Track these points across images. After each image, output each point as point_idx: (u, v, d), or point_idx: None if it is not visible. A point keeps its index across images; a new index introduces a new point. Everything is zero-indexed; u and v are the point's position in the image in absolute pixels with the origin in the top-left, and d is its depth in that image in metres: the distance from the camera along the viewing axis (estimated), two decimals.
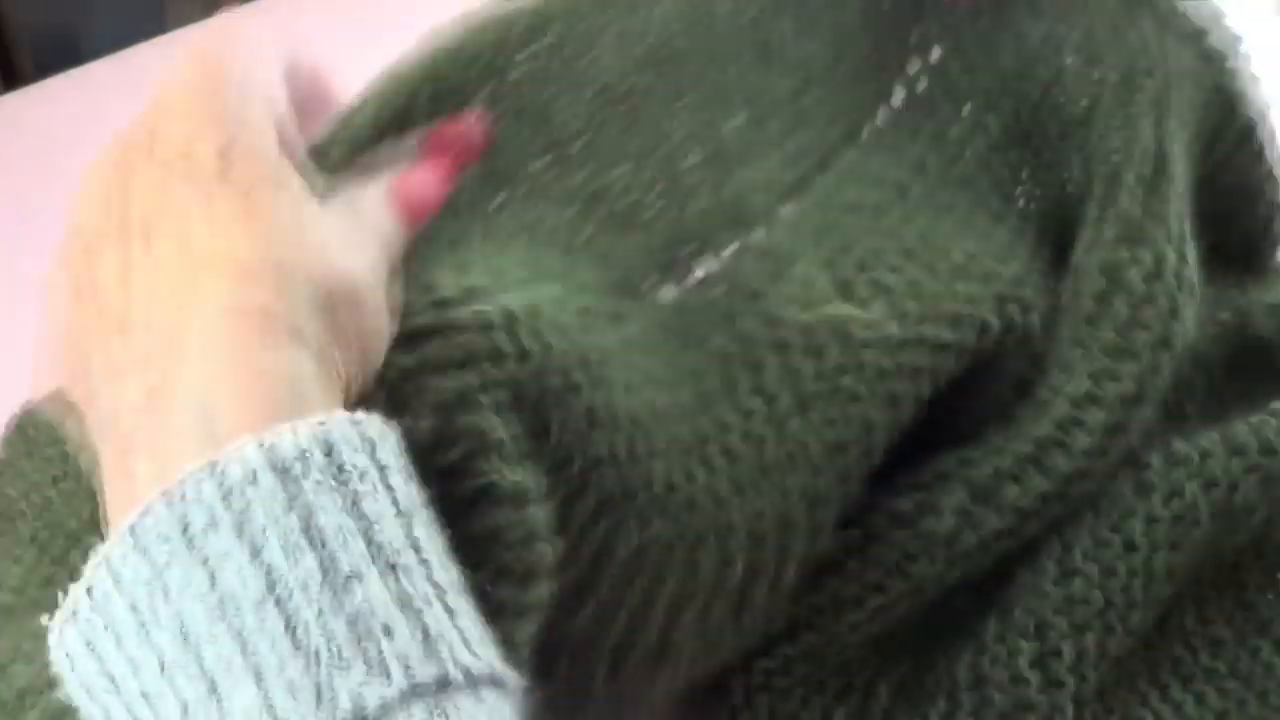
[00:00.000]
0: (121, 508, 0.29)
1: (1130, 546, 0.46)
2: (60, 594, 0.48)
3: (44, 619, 0.48)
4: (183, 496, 0.27)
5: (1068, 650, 0.45)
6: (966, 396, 0.47)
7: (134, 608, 0.27)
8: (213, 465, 0.27)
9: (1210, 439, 0.48)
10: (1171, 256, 0.46)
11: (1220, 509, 0.47)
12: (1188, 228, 0.48)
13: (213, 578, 0.26)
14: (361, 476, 0.28)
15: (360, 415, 0.29)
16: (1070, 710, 0.45)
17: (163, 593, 0.27)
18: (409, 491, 0.29)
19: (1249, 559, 0.50)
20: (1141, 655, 0.48)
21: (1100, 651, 0.45)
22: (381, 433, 0.29)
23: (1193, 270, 0.48)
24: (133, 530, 0.27)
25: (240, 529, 0.27)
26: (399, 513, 0.28)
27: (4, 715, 0.42)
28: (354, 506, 0.27)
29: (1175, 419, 0.50)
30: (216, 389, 0.29)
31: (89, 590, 0.28)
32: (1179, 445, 0.48)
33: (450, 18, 0.51)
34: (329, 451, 0.28)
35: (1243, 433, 0.48)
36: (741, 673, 0.48)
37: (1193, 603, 0.49)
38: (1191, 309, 0.47)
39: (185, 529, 0.27)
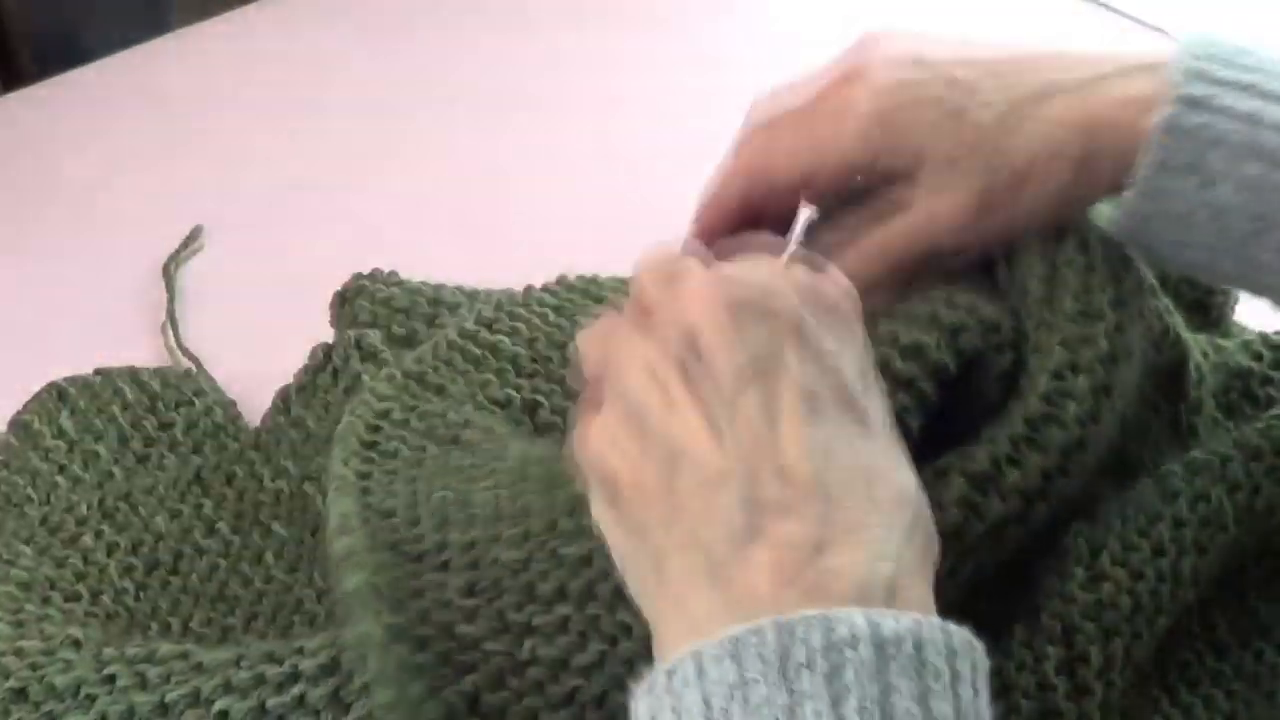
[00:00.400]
0: (706, 614, 0.33)
1: (1159, 551, 0.46)
2: (71, 576, 0.50)
3: (59, 599, 0.49)
4: (792, 633, 0.31)
5: (1095, 655, 0.44)
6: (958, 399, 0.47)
7: (707, 703, 0.31)
8: (826, 618, 0.31)
9: (1225, 444, 0.49)
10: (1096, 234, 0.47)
11: (1244, 512, 0.47)
12: None
13: (792, 709, 0.30)
14: (936, 676, 0.32)
15: (951, 625, 0.33)
16: (1097, 718, 0.44)
17: (742, 701, 0.31)
18: (974, 704, 0.32)
19: (1249, 563, 0.50)
20: (1153, 660, 0.48)
21: (1127, 657, 0.45)
22: (964, 645, 0.33)
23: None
24: (735, 641, 0.31)
25: (830, 679, 0.31)
26: (957, 717, 0.32)
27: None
28: (923, 699, 0.31)
29: (1190, 436, 0.51)
30: (886, 563, 0.34)
31: (669, 673, 0.32)
32: (1198, 453, 0.48)
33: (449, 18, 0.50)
34: (919, 647, 0.32)
35: (1254, 437, 0.49)
36: None
37: (1196, 607, 0.49)
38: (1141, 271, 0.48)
39: (784, 658, 0.31)
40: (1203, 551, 0.47)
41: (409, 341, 0.59)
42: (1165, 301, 0.51)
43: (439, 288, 0.62)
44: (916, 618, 0.32)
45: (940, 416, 0.46)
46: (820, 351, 0.36)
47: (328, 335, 0.60)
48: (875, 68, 0.44)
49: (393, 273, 0.62)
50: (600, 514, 0.38)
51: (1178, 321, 0.51)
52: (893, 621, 0.31)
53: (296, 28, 0.86)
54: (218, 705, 0.41)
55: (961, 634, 0.33)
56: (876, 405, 0.38)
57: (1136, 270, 0.48)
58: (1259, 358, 0.57)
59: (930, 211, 0.44)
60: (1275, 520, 0.48)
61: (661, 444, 0.36)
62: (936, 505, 0.42)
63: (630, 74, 0.80)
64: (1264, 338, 0.58)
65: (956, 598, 0.45)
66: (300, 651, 0.42)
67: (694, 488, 0.35)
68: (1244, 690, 0.48)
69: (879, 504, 0.35)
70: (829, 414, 0.36)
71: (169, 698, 0.42)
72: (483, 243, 0.68)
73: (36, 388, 0.57)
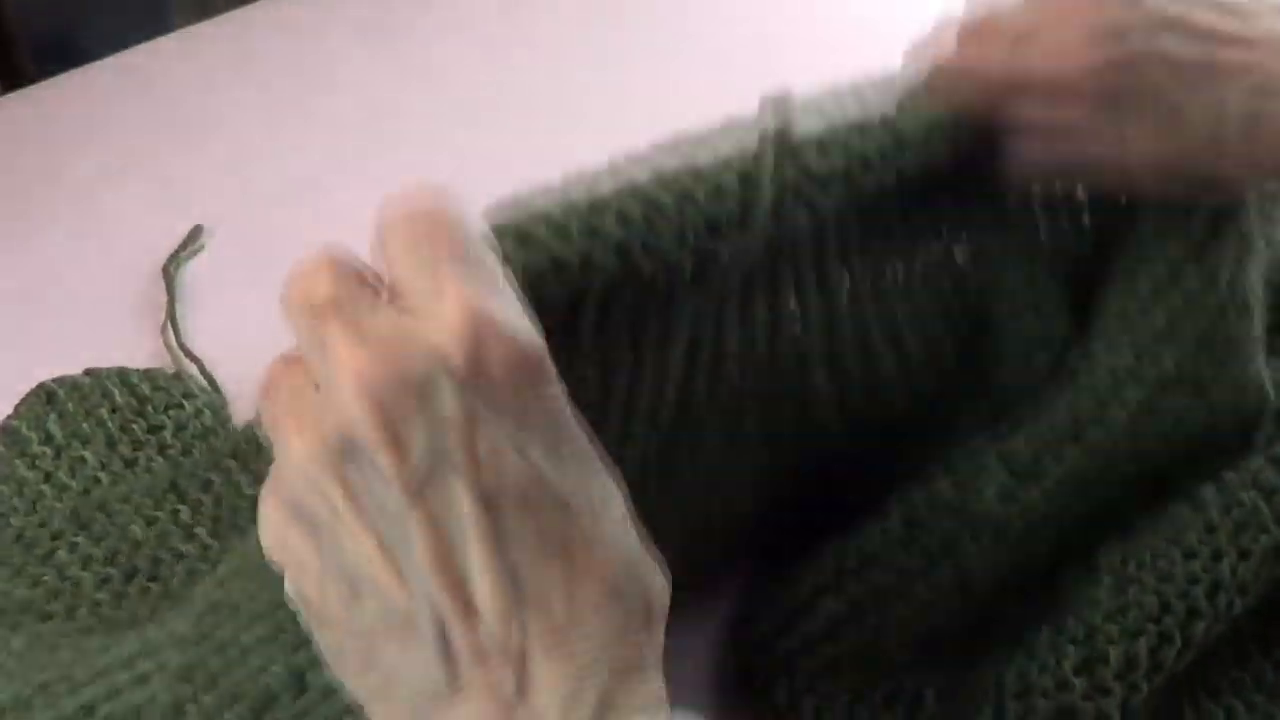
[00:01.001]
0: None
1: (1190, 554, 0.45)
2: (45, 594, 0.49)
3: (31, 621, 0.49)
4: None
5: (1115, 656, 0.44)
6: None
7: None
8: None
9: (1258, 458, 0.48)
10: (1228, 272, 0.46)
11: None
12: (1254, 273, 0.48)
13: None
14: None
15: None
16: (1117, 718, 0.44)
17: None
18: None
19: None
20: (1201, 685, 0.48)
21: (1154, 660, 0.44)
22: None
23: (1248, 294, 0.47)
24: None
25: None
26: None
27: None
28: None
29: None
30: (595, 680, 0.31)
31: None
32: (1228, 474, 0.48)
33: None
34: None
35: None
36: (785, 674, 0.47)
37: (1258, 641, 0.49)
38: (1242, 322, 0.47)
39: None
40: (1244, 555, 0.46)
41: None
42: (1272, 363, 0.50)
43: None
44: None
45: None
46: (495, 447, 0.31)
47: None
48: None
49: None
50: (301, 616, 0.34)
51: (1270, 381, 0.49)
52: None
53: (296, 28, 0.86)
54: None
55: None
56: (577, 467, 0.32)
57: (1250, 323, 0.46)
58: None
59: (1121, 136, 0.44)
60: None
61: (337, 564, 0.32)
62: (975, 491, 0.41)
63: (632, 74, 0.80)
64: None
65: (983, 593, 0.44)
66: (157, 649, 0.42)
67: (383, 629, 0.31)
68: (1263, 703, 0.48)
69: (584, 613, 0.31)
70: (515, 518, 0.31)
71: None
72: None
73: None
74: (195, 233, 0.69)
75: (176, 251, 0.67)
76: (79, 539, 0.52)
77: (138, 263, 0.67)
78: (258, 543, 0.34)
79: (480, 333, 0.31)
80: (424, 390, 0.30)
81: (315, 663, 0.36)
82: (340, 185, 0.73)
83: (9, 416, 0.57)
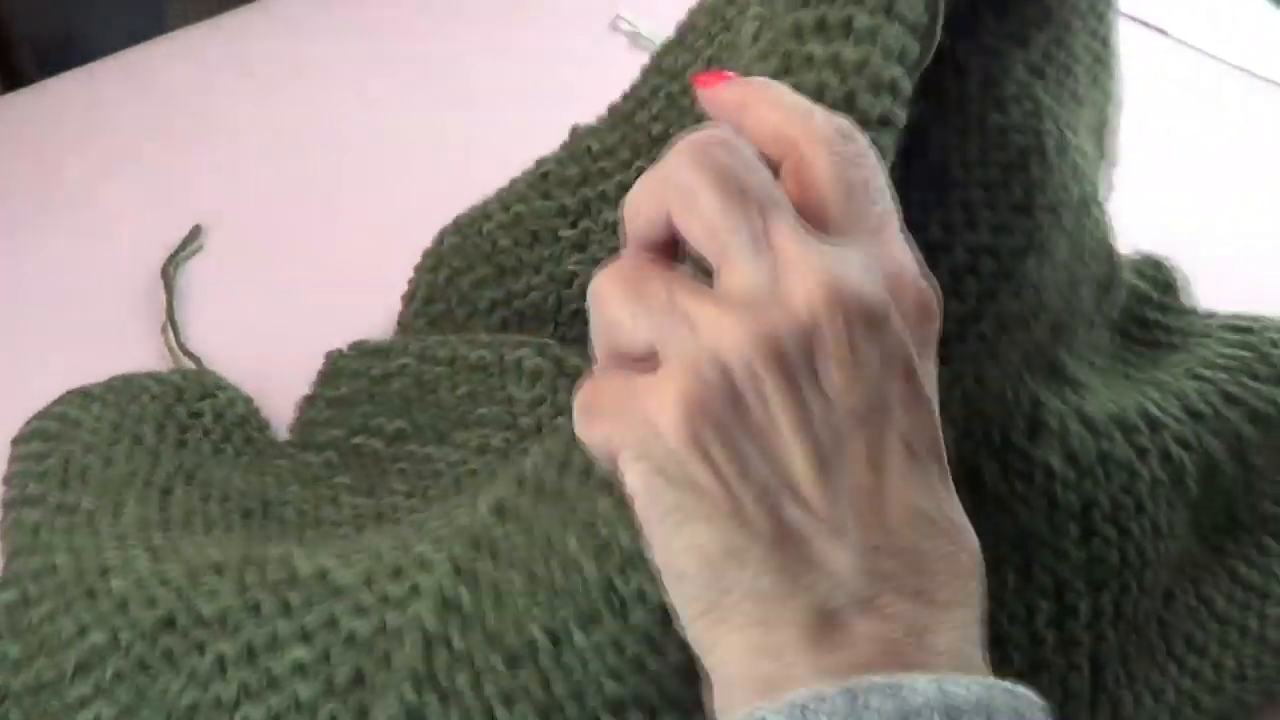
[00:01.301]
0: (788, 666, 0.31)
1: (1140, 508, 0.48)
2: (181, 517, 0.50)
3: (178, 533, 0.49)
4: (866, 704, 0.29)
5: (1084, 608, 0.46)
6: None
7: None
8: (896, 687, 0.29)
9: (1173, 405, 0.52)
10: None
11: (1199, 470, 0.50)
12: None
13: None
14: None
15: (1018, 688, 0.31)
16: (1087, 668, 0.46)
17: None
18: None
19: (1228, 540, 0.53)
20: (1158, 631, 0.50)
21: (1117, 610, 0.47)
22: (1030, 708, 0.31)
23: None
24: (804, 709, 0.29)
25: None
26: None
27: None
28: None
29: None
30: (973, 647, 0.32)
31: None
32: (1151, 408, 0.51)
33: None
34: (990, 714, 0.30)
35: (1196, 402, 0.52)
36: None
37: (1190, 582, 0.52)
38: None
39: None
40: (1173, 507, 0.49)
41: None
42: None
43: None
44: (985, 683, 0.30)
45: None
46: (921, 396, 0.32)
47: (328, 335, 0.60)
48: None
49: None
50: (649, 493, 0.32)
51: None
52: (963, 690, 0.30)
53: (296, 28, 0.86)
54: (345, 628, 0.41)
55: (1028, 697, 0.31)
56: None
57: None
58: (1144, 277, 0.59)
59: None
60: (1227, 483, 0.52)
61: (759, 464, 0.31)
62: None
63: (633, 74, 0.80)
64: (1148, 257, 0.60)
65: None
66: (421, 565, 0.42)
67: (808, 535, 0.31)
68: (1254, 650, 0.50)
69: (964, 577, 0.33)
70: (924, 471, 0.32)
71: (307, 623, 0.42)
72: None
73: (36, 388, 0.57)
74: (195, 233, 0.69)
75: (176, 251, 0.67)
76: (189, 486, 0.53)
77: (137, 263, 0.67)
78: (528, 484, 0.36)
79: (921, 296, 0.33)
80: (885, 325, 0.31)
81: (575, 620, 0.37)
82: (340, 185, 0.73)
83: (43, 411, 0.56)
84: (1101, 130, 0.54)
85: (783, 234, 0.31)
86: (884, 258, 0.32)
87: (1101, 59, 0.53)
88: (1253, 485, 0.54)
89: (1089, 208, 0.50)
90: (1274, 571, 0.52)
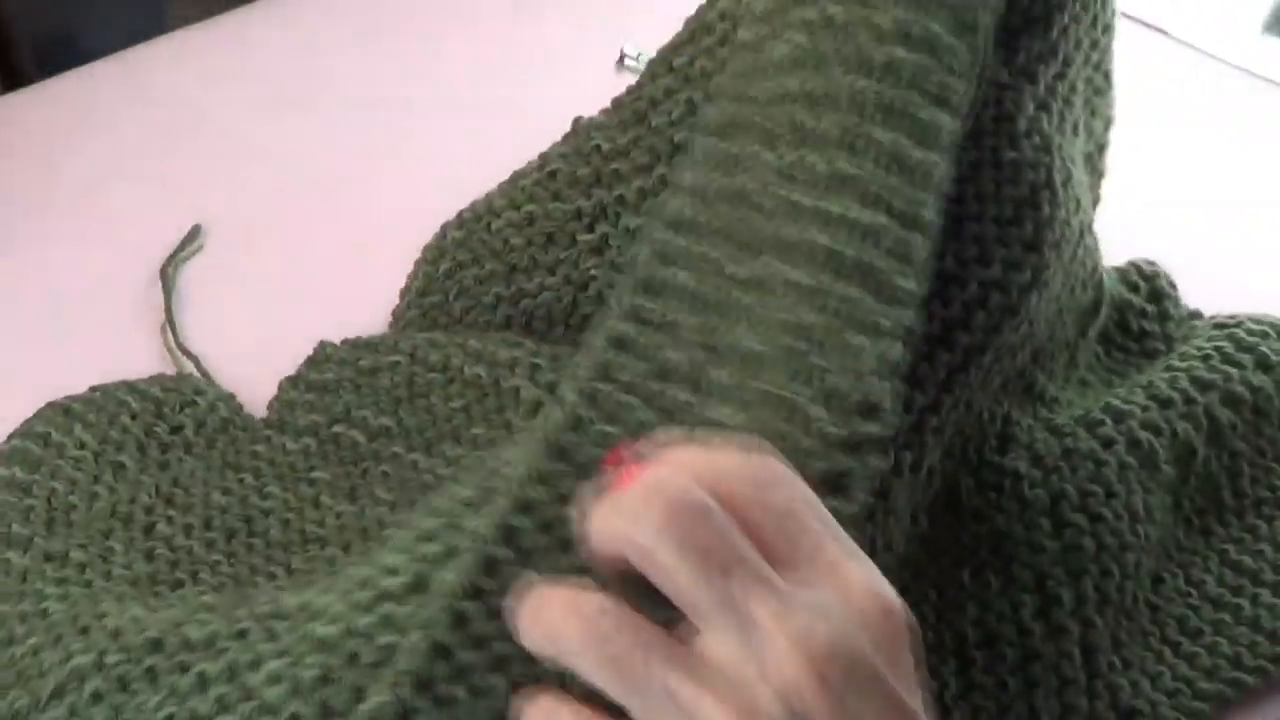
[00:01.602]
0: None
1: (1111, 494, 0.50)
2: (166, 566, 0.50)
3: (167, 591, 0.49)
4: None
5: (1067, 596, 0.48)
6: None
7: None
8: None
9: (1138, 395, 0.53)
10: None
11: (1169, 453, 0.52)
12: None
13: None
14: None
15: None
16: (1079, 655, 0.47)
17: None
18: None
19: (1216, 524, 0.55)
20: (1150, 615, 0.51)
21: (1101, 595, 0.48)
22: None
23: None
24: None
25: None
26: None
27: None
28: None
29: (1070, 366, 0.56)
30: None
31: None
32: (1114, 400, 0.53)
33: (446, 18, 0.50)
34: None
35: (1163, 387, 0.54)
36: None
37: (1180, 567, 0.53)
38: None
39: None
40: (1149, 490, 0.51)
41: None
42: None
43: None
44: None
45: None
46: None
47: (327, 335, 0.60)
48: None
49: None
50: None
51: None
52: None
53: (296, 28, 0.86)
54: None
55: None
56: None
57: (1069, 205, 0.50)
58: (1135, 289, 0.61)
59: None
60: (1207, 465, 0.54)
61: None
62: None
63: (633, 74, 0.80)
64: (1138, 267, 0.62)
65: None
66: (388, 570, 0.42)
67: None
68: (1246, 632, 0.51)
69: None
70: None
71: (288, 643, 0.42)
72: None
73: (35, 388, 0.57)
74: (194, 233, 0.69)
75: (175, 251, 0.67)
76: (171, 512, 0.53)
77: (136, 263, 0.67)
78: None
79: (886, 606, 0.31)
80: (869, 673, 0.30)
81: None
82: (340, 185, 0.73)
83: (27, 423, 0.56)
84: (1094, 154, 0.54)
85: (754, 598, 0.31)
86: (845, 587, 0.32)
87: (1100, 90, 0.53)
88: (1237, 469, 0.55)
89: (1083, 238, 0.51)
90: (1264, 554, 0.53)
